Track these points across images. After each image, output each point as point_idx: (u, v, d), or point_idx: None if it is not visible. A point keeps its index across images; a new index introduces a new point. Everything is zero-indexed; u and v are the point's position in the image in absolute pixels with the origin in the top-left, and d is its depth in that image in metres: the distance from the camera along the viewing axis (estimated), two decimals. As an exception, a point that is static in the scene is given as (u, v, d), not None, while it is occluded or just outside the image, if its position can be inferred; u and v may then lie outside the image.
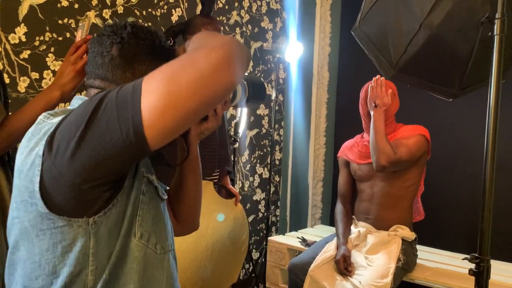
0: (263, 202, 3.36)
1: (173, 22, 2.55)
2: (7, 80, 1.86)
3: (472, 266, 1.21)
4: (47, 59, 1.99)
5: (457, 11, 1.31)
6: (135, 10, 2.33)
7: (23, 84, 1.92)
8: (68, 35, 2.05)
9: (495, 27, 1.19)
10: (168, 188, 0.96)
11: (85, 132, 0.69)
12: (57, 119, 0.78)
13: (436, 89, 1.47)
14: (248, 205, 3.23)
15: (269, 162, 3.17)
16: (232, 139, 2.52)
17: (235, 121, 2.68)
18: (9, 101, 1.24)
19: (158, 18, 2.46)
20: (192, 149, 1.00)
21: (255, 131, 3.24)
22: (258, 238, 3.34)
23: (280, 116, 3.47)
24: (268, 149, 3.35)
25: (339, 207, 2.41)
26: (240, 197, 2.11)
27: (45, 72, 1.99)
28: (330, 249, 2.20)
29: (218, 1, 2.86)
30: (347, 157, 2.40)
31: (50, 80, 1.99)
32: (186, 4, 2.62)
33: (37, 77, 1.96)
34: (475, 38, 1.32)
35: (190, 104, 0.66)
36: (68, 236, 0.75)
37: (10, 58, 1.87)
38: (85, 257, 0.76)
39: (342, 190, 2.45)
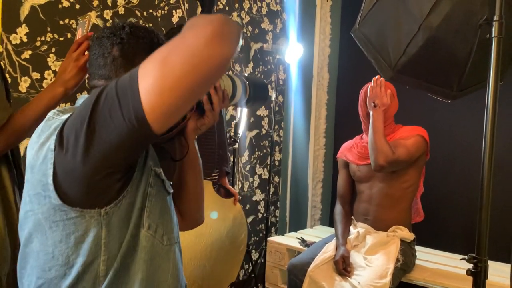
0: (262, 203, 3.37)
1: (174, 23, 2.56)
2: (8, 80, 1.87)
3: (470, 266, 1.22)
4: (48, 59, 2.00)
5: (456, 13, 1.32)
6: (136, 11, 2.35)
7: (24, 84, 1.93)
8: (69, 35, 2.06)
9: (493, 29, 1.20)
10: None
11: (90, 123, 0.71)
12: (66, 116, 0.80)
13: (434, 91, 1.48)
14: (248, 205, 3.24)
15: (268, 163, 3.18)
16: (232, 139, 2.53)
17: (235, 121, 2.69)
18: (11, 100, 1.25)
19: (159, 19, 2.47)
20: (189, 144, 1.02)
21: (255, 132, 3.25)
22: (257, 238, 3.34)
23: (280, 117, 3.48)
24: (268, 150, 3.36)
25: (338, 208, 2.42)
26: (240, 197, 2.12)
27: (46, 72, 2.00)
28: (329, 250, 2.21)
29: (219, 3, 2.87)
30: (346, 158, 2.41)
31: (51, 80, 2.00)
32: (186, 5, 2.63)
33: (38, 77, 1.97)
34: (473, 40, 1.33)
35: (185, 83, 0.67)
36: (80, 227, 0.77)
37: (11, 58, 1.88)
38: (98, 247, 0.78)
39: (341, 191, 2.45)
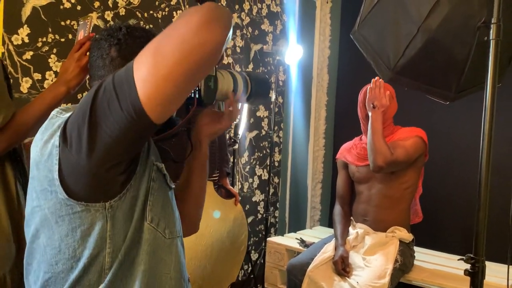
0: (262, 203, 3.38)
1: (174, 24, 2.57)
2: (9, 81, 1.88)
3: (468, 267, 1.23)
4: (49, 60, 2.01)
5: (454, 16, 1.33)
6: (137, 12, 2.36)
7: (25, 85, 1.94)
8: (70, 36, 2.07)
9: (491, 31, 1.21)
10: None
11: (91, 118, 0.72)
12: (69, 114, 0.82)
13: (433, 92, 1.49)
14: (248, 206, 3.25)
15: (268, 163, 3.19)
16: (232, 140, 2.54)
17: (235, 122, 2.70)
18: (13, 99, 1.26)
19: (160, 20, 2.49)
20: (203, 148, 1.04)
21: (254, 133, 3.27)
22: (257, 239, 3.35)
23: (280, 118, 3.49)
24: (268, 150, 3.37)
25: (337, 209, 2.43)
26: (240, 197, 2.13)
27: (48, 73, 2.01)
28: (328, 250, 2.22)
29: (219, 4, 2.88)
30: (345, 159, 2.42)
31: (52, 80, 2.01)
32: (187, 6, 2.64)
33: (40, 77, 1.98)
34: (471, 42, 1.34)
35: (178, 71, 0.68)
36: (86, 220, 0.79)
37: (13, 59, 1.89)
38: (103, 240, 0.80)
39: (340, 192, 2.46)
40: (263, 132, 3.35)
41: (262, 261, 2.96)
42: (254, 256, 3.30)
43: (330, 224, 3.63)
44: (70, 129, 0.76)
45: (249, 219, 3.28)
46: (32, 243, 0.86)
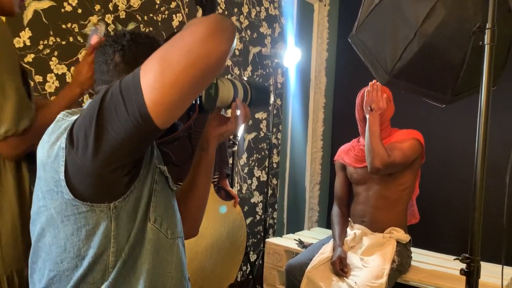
0: (260, 205, 3.40)
1: (174, 27, 2.60)
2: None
3: (464, 266, 1.26)
4: (50, 62, 2.03)
5: (450, 21, 1.36)
6: (137, 15, 2.38)
7: (27, 87, 1.95)
8: (71, 39, 2.09)
9: (486, 36, 1.24)
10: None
11: (98, 121, 0.75)
12: (75, 117, 0.85)
13: (429, 95, 1.51)
14: (246, 207, 3.27)
15: (267, 165, 3.21)
16: (231, 142, 2.56)
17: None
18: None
19: (159, 23, 2.51)
20: (210, 150, 1.07)
21: (253, 135, 3.29)
22: (255, 240, 3.37)
23: (278, 120, 3.52)
24: (266, 152, 3.39)
25: (335, 210, 2.46)
26: (238, 199, 2.16)
27: (49, 75, 2.03)
28: (326, 251, 2.24)
29: (218, 7, 2.91)
30: (343, 160, 2.45)
31: (53, 83, 2.03)
32: (186, 9, 2.67)
33: (41, 80, 2.00)
34: (467, 46, 1.36)
35: (184, 79, 0.71)
36: (91, 220, 0.81)
37: (14, 61, 1.91)
38: (107, 239, 0.82)
39: (338, 193, 2.49)
40: (262, 134, 3.37)
41: (260, 262, 2.98)
42: (252, 257, 3.32)
43: (328, 225, 3.65)
44: (77, 132, 0.78)
45: (248, 220, 3.30)
46: (38, 242, 0.88)
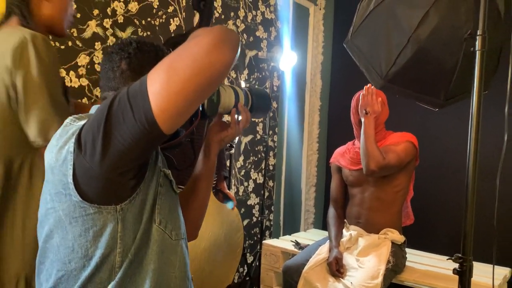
0: (257, 207, 3.42)
1: (171, 31, 2.62)
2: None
3: (456, 266, 1.29)
4: (50, 66, 2.05)
5: (443, 27, 1.39)
6: (135, 20, 2.40)
7: (26, 91, 1.97)
8: (70, 43, 2.11)
9: (477, 42, 1.27)
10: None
11: (106, 126, 0.78)
12: (82, 122, 0.87)
13: (423, 99, 1.55)
14: (243, 209, 3.29)
15: (263, 167, 3.24)
16: (228, 145, 2.59)
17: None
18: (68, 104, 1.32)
19: (157, 28, 2.53)
20: (212, 155, 1.10)
21: (250, 137, 3.32)
22: (252, 242, 3.40)
23: (274, 123, 3.55)
24: (263, 154, 3.42)
25: (331, 211, 2.49)
26: (236, 202, 2.18)
27: (48, 79, 2.04)
28: (323, 252, 2.27)
29: (215, 11, 2.94)
30: (339, 163, 2.48)
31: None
32: (184, 14, 2.70)
33: (40, 84, 2.02)
34: (459, 52, 1.40)
35: (190, 87, 0.75)
36: (98, 222, 0.84)
37: (14, 65, 1.92)
38: (114, 240, 0.85)
39: (334, 195, 2.52)
40: (258, 137, 3.40)
41: (257, 264, 3.01)
42: (249, 258, 3.34)
43: (324, 226, 3.68)
44: (85, 136, 0.81)
45: (245, 222, 3.32)
46: (46, 243, 0.90)
